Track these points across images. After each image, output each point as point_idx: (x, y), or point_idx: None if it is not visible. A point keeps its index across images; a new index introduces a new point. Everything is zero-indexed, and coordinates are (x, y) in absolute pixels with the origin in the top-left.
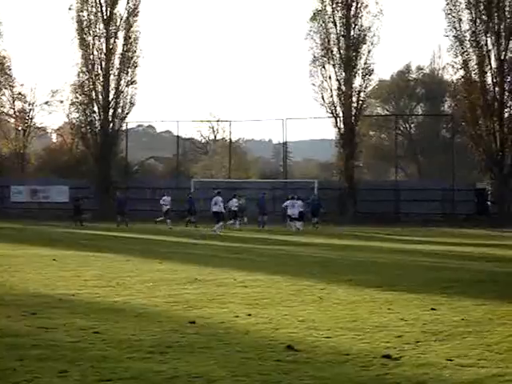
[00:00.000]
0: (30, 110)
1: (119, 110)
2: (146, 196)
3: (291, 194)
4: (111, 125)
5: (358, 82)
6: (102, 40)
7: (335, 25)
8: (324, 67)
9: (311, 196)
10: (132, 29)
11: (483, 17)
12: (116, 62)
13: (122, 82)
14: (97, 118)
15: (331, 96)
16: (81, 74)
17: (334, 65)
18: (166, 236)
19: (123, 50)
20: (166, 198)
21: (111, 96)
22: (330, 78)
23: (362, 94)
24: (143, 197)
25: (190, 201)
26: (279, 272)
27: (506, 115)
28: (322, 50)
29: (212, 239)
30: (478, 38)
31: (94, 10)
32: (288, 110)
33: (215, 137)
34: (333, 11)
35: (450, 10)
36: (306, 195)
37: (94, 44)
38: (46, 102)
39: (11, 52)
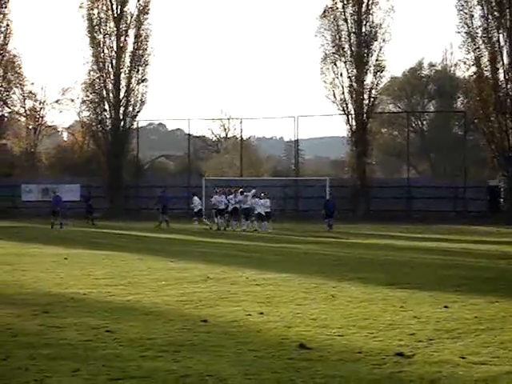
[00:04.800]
0: (41, 108)
1: (130, 109)
2: (158, 194)
3: (262, 191)
4: (122, 123)
5: (369, 79)
6: (113, 38)
7: (346, 21)
8: (335, 64)
9: (327, 196)
10: (143, 27)
11: (495, 13)
12: (127, 60)
13: (133, 80)
14: (108, 116)
15: (343, 93)
16: (91, 73)
17: (345, 62)
18: (176, 235)
19: (134, 48)
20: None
21: (122, 94)
22: (341, 75)
23: (373, 91)
24: (155, 195)
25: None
26: (291, 270)
27: None
28: (333, 47)
29: (223, 238)
30: (490, 35)
31: (104, 8)
32: (299, 108)
33: (226, 135)
34: (344, 8)
35: (462, 6)
36: (318, 193)
37: (104, 42)
38: (57, 101)
39: (22, 50)
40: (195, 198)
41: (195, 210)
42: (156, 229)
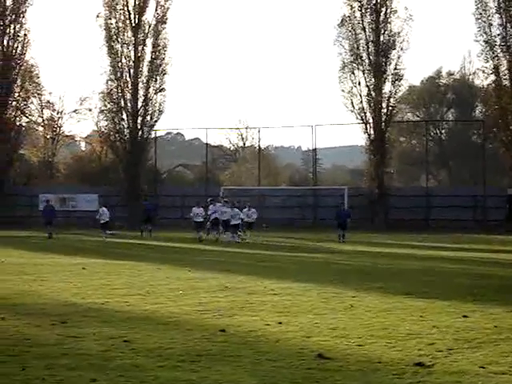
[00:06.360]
0: (59, 118)
1: (148, 118)
2: (176, 204)
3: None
4: (140, 132)
5: (387, 87)
6: (131, 47)
7: (364, 30)
8: (353, 73)
9: (340, 205)
10: (160, 36)
11: None
12: (145, 69)
13: (151, 90)
14: (125, 125)
15: (361, 102)
16: (109, 82)
17: (363, 71)
18: (194, 244)
19: (152, 57)
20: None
21: (140, 104)
22: (359, 83)
23: (391, 100)
24: (173, 205)
25: (148, 207)
26: (309, 280)
27: None
28: (352, 55)
29: (241, 247)
30: (508, 43)
31: (122, 17)
32: (317, 117)
33: (244, 144)
34: (362, 17)
35: (480, 14)
36: (336, 202)
37: (122, 51)
38: (75, 110)
39: (39, 60)
40: (103, 208)
41: (101, 222)
42: (144, 238)
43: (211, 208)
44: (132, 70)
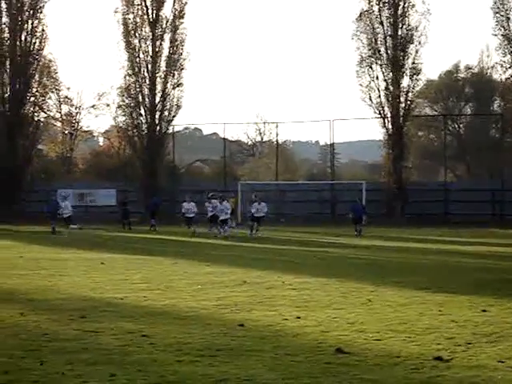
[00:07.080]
0: (77, 113)
1: (166, 113)
2: (194, 199)
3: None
4: (158, 128)
5: (405, 82)
6: (148, 42)
7: (382, 24)
8: (371, 67)
9: (357, 199)
10: (178, 31)
11: None
12: (162, 64)
13: (169, 85)
14: (143, 121)
15: (379, 96)
16: (127, 77)
17: (381, 65)
18: (212, 239)
19: (169, 52)
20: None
21: (158, 99)
22: (377, 78)
23: (409, 94)
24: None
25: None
26: (327, 274)
27: None
28: (369, 50)
29: (257, 242)
30: None
31: (139, 12)
32: (335, 111)
33: (262, 139)
34: (379, 11)
35: (498, 8)
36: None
37: (140, 47)
38: (93, 106)
39: (57, 55)
40: (66, 203)
41: (65, 216)
42: (153, 233)
43: (207, 205)
44: (150, 65)
